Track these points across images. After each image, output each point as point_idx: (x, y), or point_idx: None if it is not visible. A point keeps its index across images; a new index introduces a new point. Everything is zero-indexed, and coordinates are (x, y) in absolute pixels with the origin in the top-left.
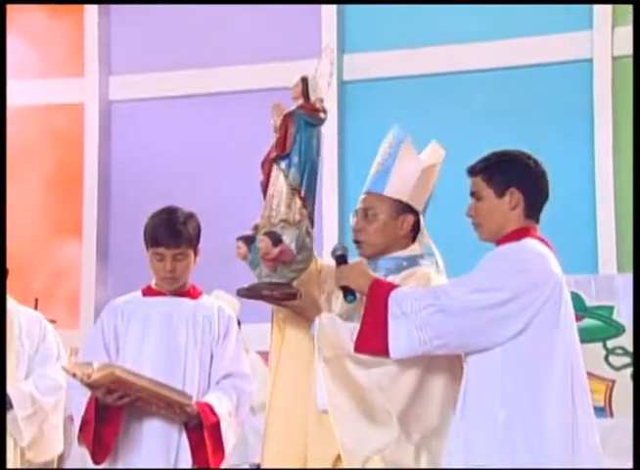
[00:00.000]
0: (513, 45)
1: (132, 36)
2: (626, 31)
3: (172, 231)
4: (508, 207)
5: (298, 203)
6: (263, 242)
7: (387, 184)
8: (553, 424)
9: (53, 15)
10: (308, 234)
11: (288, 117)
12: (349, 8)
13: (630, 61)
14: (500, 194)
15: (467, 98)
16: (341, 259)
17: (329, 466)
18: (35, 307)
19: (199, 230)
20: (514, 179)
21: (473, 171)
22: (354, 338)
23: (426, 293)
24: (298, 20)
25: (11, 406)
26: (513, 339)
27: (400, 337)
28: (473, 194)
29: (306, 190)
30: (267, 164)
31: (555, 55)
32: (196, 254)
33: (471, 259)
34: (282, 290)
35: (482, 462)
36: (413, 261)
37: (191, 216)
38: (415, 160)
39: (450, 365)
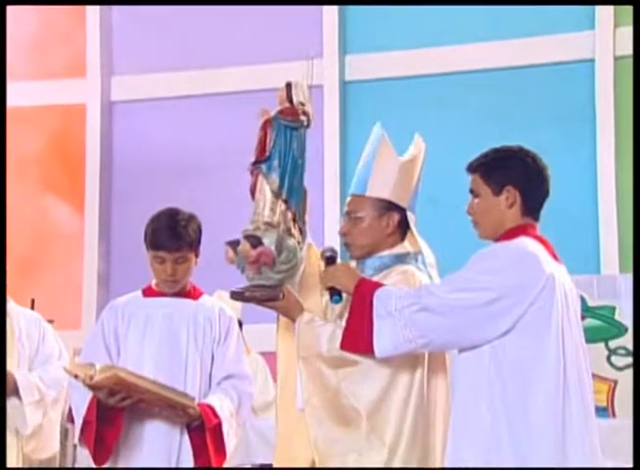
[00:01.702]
0: (514, 45)
1: (134, 37)
2: (628, 31)
3: (173, 235)
4: (505, 205)
5: (282, 205)
6: (242, 245)
7: (368, 184)
8: (541, 425)
9: (54, 16)
10: (290, 235)
11: (267, 123)
12: (351, 9)
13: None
14: (497, 192)
15: (469, 98)
16: (329, 261)
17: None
18: (32, 307)
19: (200, 232)
20: (510, 177)
21: (471, 168)
22: (330, 338)
23: (410, 291)
24: (300, 20)
25: (16, 391)
26: (499, 339)
27: (385, 335)
28: (471, 191)
29: (289, 192)
30: (254, 169)
31: (557, 55)
32: (197, 255)
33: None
34: (262, 292)
35: (469, 464)
36: (397, 260)
37: (192, 219)
38: (392, 156)
39: (428, 365)
